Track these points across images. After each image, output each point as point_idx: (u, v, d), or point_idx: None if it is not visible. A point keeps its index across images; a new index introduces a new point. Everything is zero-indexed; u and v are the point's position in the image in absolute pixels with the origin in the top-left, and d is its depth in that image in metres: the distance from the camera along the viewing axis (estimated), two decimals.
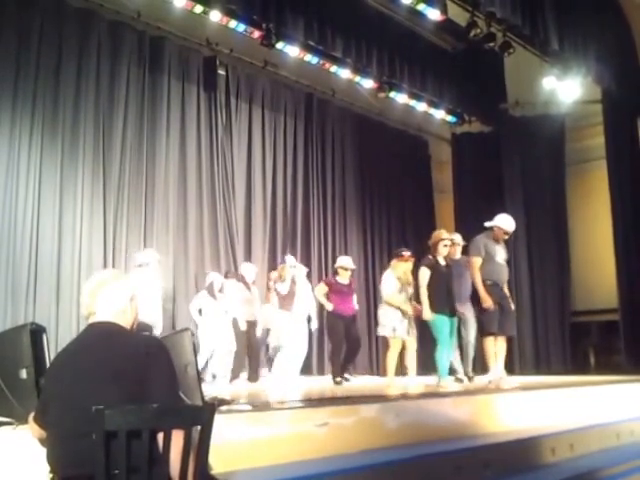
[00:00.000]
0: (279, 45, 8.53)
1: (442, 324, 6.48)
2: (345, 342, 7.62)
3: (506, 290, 6.58)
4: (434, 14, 8.43)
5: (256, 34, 8.38)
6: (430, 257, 6.65)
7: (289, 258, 8.39)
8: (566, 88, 9.62)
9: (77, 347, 2.15)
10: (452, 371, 7.27)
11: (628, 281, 9.81)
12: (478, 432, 4.64)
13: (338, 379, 7.36)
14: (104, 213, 7.99)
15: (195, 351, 2.84)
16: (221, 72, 9.35)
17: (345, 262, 7.78)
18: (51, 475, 2.02)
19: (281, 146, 10.29)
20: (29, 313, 7.02)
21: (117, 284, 2.25)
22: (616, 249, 9.92)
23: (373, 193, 11.65)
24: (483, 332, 6.47)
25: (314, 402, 4.80)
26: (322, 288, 7.72)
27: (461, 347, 7.41)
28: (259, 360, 8.44)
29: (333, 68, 9.45)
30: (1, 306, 6.91)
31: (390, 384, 6.69)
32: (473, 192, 11.17)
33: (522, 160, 11.03)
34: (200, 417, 1.93)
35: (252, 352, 8.26)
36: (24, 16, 7.45)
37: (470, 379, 7.22)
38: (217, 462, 2.64)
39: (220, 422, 2.43)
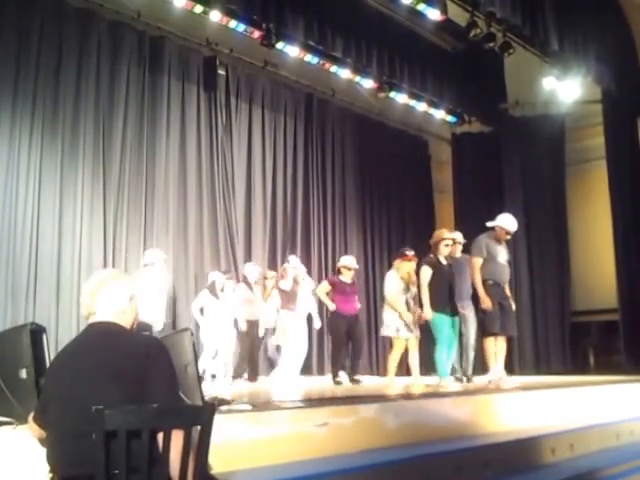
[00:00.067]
0: (279, 45, 8.54)
1: (442, 323, 6.48)
2: (348, 342, 7.61)
3: (507, 290, 6.58)
4: (434, 14, 8.43)
5: (256, 34, 8.38)
6: (431, 256, 6.66)
7: (292, 258, 8.39)
8: (566, 88, 9.63)
9: (77, 347, 2.15)
10: (453, 370, 7.27)
11: (628, 281, 9.81)
12: (478, 432, 4.64)
13: (338, 379, 7.36)
14: (104, 213, 7.99)
15: (195, 351, 2.84)
16: (221, 72, 9.35)
17: (348, 261, 7.75)
18: (51, 475, 2.02)
19: (281, 146, 10.29)
20: (29, 313, 7.02)
21: (117, 284, 2.25)
22: (616, 249, 9.92)
23: (373, 193, 11.65)
24: (484, 332, 6.46)
25: (314, 402, 4.80)
26: (325, 287, 7.69)
27: (461, 346, 7.41)
28: (258, 360, 8.45)
29: (333, 68, 9.46)
30: (1, 306, 6.92)
31: (390, 384, 6.69)
32: (473, 192, 11.17)
33: (522, 160, 11.03)
34: (200, 417, 1.93)
35: (252, 352, 8.27)
36: (24, 16, 7.45)
37: (469, 379, 7.21)
38: (217, 462, 2.64)
39: (220, 422, 2.44)
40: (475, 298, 6.64)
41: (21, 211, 7.26)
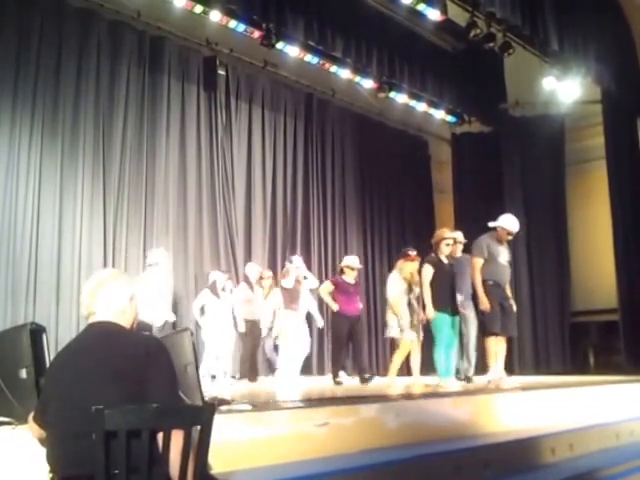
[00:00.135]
0: (279, 45, 8.54)
1: (442, 323, 6.49)
2: (348, 342, 7.59)
3: (508, 291, 6.58)
4: (434, 14, 8.43)
5: (256, 34, 8.38)
6: (433, 255, 6.66)
7: (295, 258, 8.38)
8: (566, 88, 9.63)
9: (77, 347, 2.15)
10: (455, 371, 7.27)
11: (628, 281, 9.81)
12: (478, 432, 4.64)
13: (338, 379, 7.36)
14: (104, 213, 7.99)
15: (195, 351, 2.84)
16: (221, 72, 9.35)
17: (351, 261, 7.71)
18: (51, 475, 2.02)
19: (281, 146, 10.29)
20: (29, 313, 7.02)
21: (117, 284, 2.25)
22: (616, 249, 9.92)
23: (373, 193, 11.65)
24: (485, 332, 6.46)
25: (314, 402, 4.80)
26: (328, 287, 7.64)
27: (462, 346, 7.41)
28: (257, 360, 8.45)
29: (333, 68, 9.46)
30: (1, 306, 6.92)
31: (391, 384, 6.70)
32: (473, 192, 11.17)
33: (522, 160, 11.03)
34: (200, 417, 1.93)
35: (253, 352, 8.28)
36: (24, 16, 7.45)
37: (468, 380, 7.20)
38: (217, 462, 2.64)
39: (220, 422, 2.44)
40: (475, 298, 6.63)
41: (21, 211, 7.26)
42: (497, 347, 6.35)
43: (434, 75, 9.82)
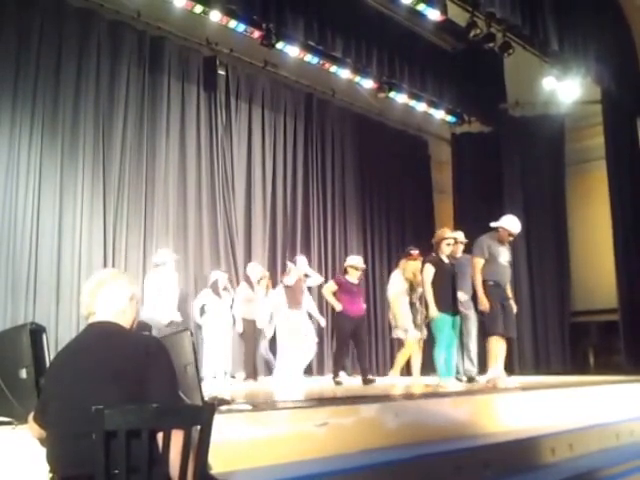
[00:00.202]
0: (279, 45, 8.54)
1: (443, 323, 6.49)
2: (352, 343, 7.57)
3: (509, 291, 6.57)
4: (434, 14, 8.43)
5: (256, 34, 8.38)
6: (433, 255, 6.67)
7: (300, 258, 8.38)
8: (566, 88, 9.63)
9: (77, 347, 2.15)
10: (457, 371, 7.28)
11: (628, 281, 9.81)
12: (478, 432, 4.64)
13: (338, 379, 7.36)
14: (104, 213, 7.99)
15: (195, 351, 2.84)
16: (221, 72, 9.34)
17: (355, 261, 7.67)
18: (51, 475, 2.02)
19: (281, 146, 10.29)
20: (29, 313, 7.02)
21: (117, 284, 2.25)
22: (616, 249, 9.92)
23: (373, 193, 11.66)
24: (487, 332, 6.45)
25: (314, 402, 4.80)
26: (331, 286, 7.55)
27: (462, 346, 7.41)
28: (257, 359, 8.46)
29: (333, 68, 9.46)
30: (1, 306, 6.92)
31: (391, 384, 6.70)
32: (473, 192, 11.17)
33: (522, 160, 11.03)
34: (200, 417, 1.93)
35: (253, 351, 8.28)
36: (24, 16, 7.45)
37: (470, 380, 7.20)
38: (217, 462, 2.64)
39: (220, 422, 2.44)
40: (476, 298, 6.63)
41: (21, 211, 7.26)
42: (498, 347, 6.36)
43: (434, 75, 9.82)
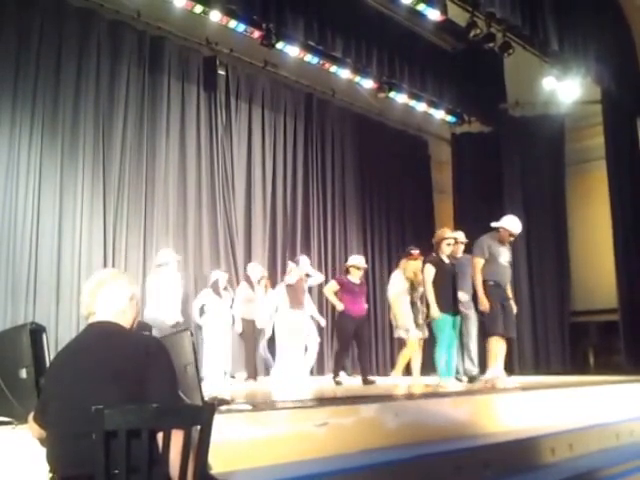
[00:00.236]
0: (279, 45, 8.54)
1: (444, 324, 6.50)
2: (354, 343, 7.55)
3: (509, 291, 6.57)
4: (434, 14, 8.43)
5: (256, 34, 8.38)
6: (434, 255, 6.67)
7: (303, 259, 8.37)
8: (566, 88, 9.63)
9: (77, 347, 2.15)
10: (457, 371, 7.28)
11: (628, 281, 9.81)
12: (478, 432, 4.64)
13: (338, 379, 7.36)
14: (104, 213, 7.99)
15: (195, 351, 2.84)
16: (221, 72, 9.34)
17: (357, 261, 7.63)
18: (51, 475, 2.02)
19: (281, 146, 10.29)
20: (29, 313, 7.01)
21: (117, 284, 2.25)
22: (615, 249, 9.92)
23: (373, 193, 11.66)
24: (488, 332, 6.45)
25: (314, 402, 4.80)
26: (333, 286, 7.51)
27: (463, 346, 7.41)
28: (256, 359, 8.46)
29: (333, 68, 9.46)
30: (1, 306, 6.91)
31: (391, 383, 6.70)
32: (473, 192, 11.17)
33: (522, 160, 11.03)
34: (200, 417, 1.93)
35: (254, 351, 8.28)
36: (24, 16, 7.45)
37: (471, 380, 7.19)
38: (217, 462, 2.64)
39: (220, 422, 2.44)
40: (476, 298, 6.63)
41: (21, 211, 7.26)
42: (498, 347, 6.35)
43: (434, 75, 9.82)
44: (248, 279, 8.44)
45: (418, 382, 6.89)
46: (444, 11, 8.40)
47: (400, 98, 10.29)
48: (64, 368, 2.09)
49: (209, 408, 2.01)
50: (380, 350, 10.99)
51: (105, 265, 7.76)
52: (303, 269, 8.06)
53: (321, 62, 9.27)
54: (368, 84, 9.98)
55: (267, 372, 8.42)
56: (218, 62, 9.26)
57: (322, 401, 4.96)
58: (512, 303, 6.53)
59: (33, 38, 7.52)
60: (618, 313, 9.90)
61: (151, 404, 1.89)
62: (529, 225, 10.51)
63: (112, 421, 1.80)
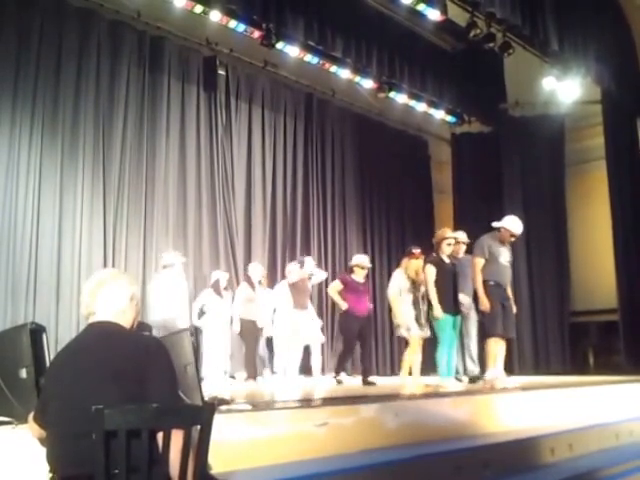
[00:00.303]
0: (279, 45, 8.54)
1: (445, 324, 6.51)
2: (357, 343, 7.54)
3: (509, 292, 6.57)
4: (434, 14, 8.43)
5: (256, 34, 8.38)
6: (434, 255, 6.67)
7: (308, 259, 8.36)
8: (566, 88, 9.62)
9: (77, 347, 2.15)
10: (457, 371, 7.28)
11: (627, 281, 9.81)
12: (478, 432, 4.64)
13: (339, 378, 7.36)
14: (104, 213, 8.00)
15: (195, 351, 2.84)
16: (221, 72, 9.35)
17: (361, 260, 7.61)
18: (51, 475, 2.02)
19: (281, 146, 10.29)
20: (29, 313, 7.02)
21: (117, 284, 2.25)
22: (615, 249, 9.92)
23: (373, 193, 11.66)
24: (487, 333, 6.45)
25: (314, 402, 4.81)
26: (337, 285, 7.45)
27: (463, 346, 7.41)
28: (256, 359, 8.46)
29: (333, 68, 9.46)
30: (1, 306, 6.92)
31: (396, 383, 6.70)
32: (473, 192, 11.17)
33: (522, 160, 11.03)
34: (200, 417, 1.93)
35: (254, 351, 8.27)
36: (24, 16, 7.45)
37: (473, 379, 7.18)
38: (217, 462, 2.64)
39: (220, 422, 2.44)
40: (476, 298, 6.62)
41: (21, 211, 7.26)
42: (497, 348, 6.35)
43: (434, 75, 9.82)
44: (249, 279, 8.44)
45: (418, 382, 6.88)
46: (444, 11, 8.40)
47: (400, 98, 10.29)
48: (64, 368, 2.09)
49: (209, 408, 2.01)
50: (380, 350, 10.99)
51: (105, 265, 7.76)
52: (307, 270, 8.06)
53: (321, 62, 9.27)
54: (368, 84, 9.98)
55: (261, 372, 8.41)
56: (218, 62, 9.27)
57: (322, 401, 4.95)
58: (512, 303, 6.52)
59: (33, 38, 7.52)
60: (618, 313, 9.89)
61: (151, 404, 1.89)
62: (529, 225, 10.45)
63: (112, 421, 1.80)
